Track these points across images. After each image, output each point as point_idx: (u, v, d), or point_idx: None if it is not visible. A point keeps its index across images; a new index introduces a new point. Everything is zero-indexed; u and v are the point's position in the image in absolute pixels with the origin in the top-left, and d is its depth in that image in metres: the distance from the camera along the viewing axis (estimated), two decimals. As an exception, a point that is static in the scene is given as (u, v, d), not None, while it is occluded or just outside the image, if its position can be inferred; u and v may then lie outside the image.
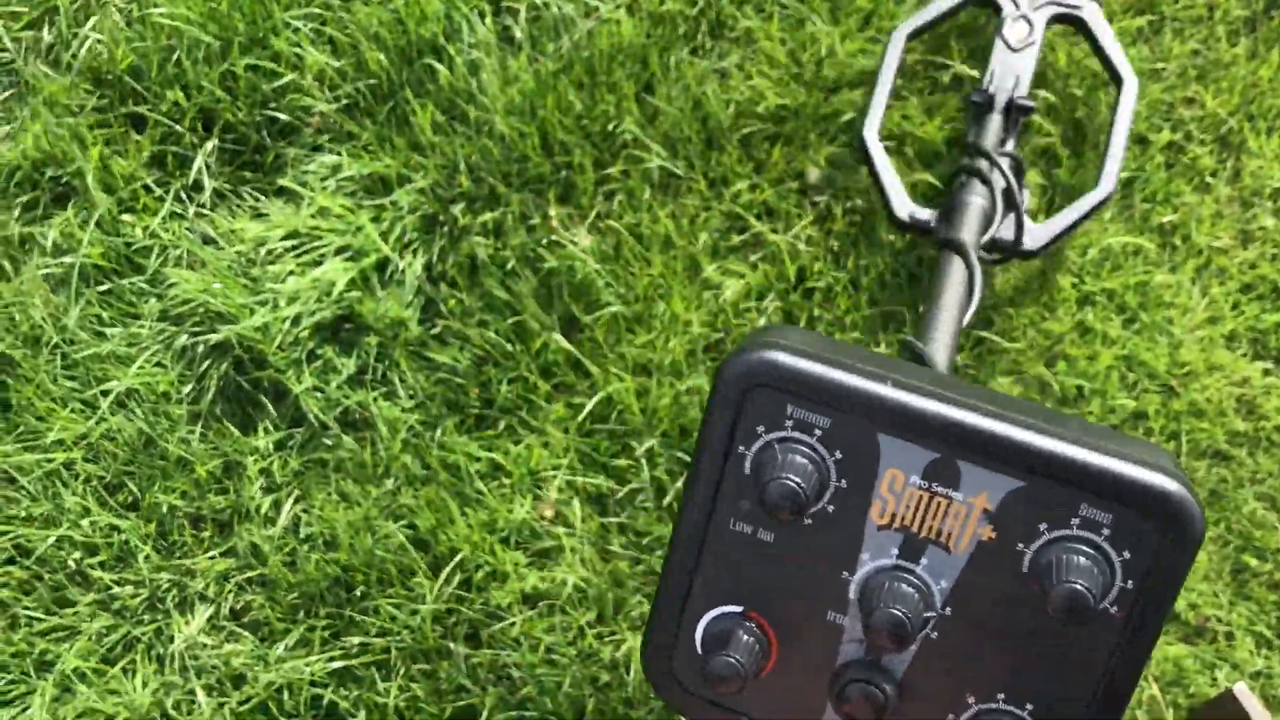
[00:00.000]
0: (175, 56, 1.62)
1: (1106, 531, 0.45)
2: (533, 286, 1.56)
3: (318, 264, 1.58)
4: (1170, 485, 0.44)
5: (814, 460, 0.47)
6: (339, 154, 1.62)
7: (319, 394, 1.53)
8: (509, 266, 1.57)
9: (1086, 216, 1.39)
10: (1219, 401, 1.49)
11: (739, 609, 0.50)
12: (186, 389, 1.55)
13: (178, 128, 1.62)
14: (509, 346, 1.54)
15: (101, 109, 1.63)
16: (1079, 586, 0.43)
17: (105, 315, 1.57)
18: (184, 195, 1.62)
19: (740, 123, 1.60)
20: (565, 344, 1.53)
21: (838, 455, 0.47)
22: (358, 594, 1.48)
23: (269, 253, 1.59)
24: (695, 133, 1.60)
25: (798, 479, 0.45)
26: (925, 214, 1.38)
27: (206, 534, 1.52)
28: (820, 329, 1.53)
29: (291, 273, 1.57)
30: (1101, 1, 1.50)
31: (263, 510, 1.51)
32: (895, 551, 0.48)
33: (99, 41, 1.65)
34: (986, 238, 1.23)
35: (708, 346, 1.54)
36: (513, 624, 1.45)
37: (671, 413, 1.50)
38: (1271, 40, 1.59)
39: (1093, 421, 1.41)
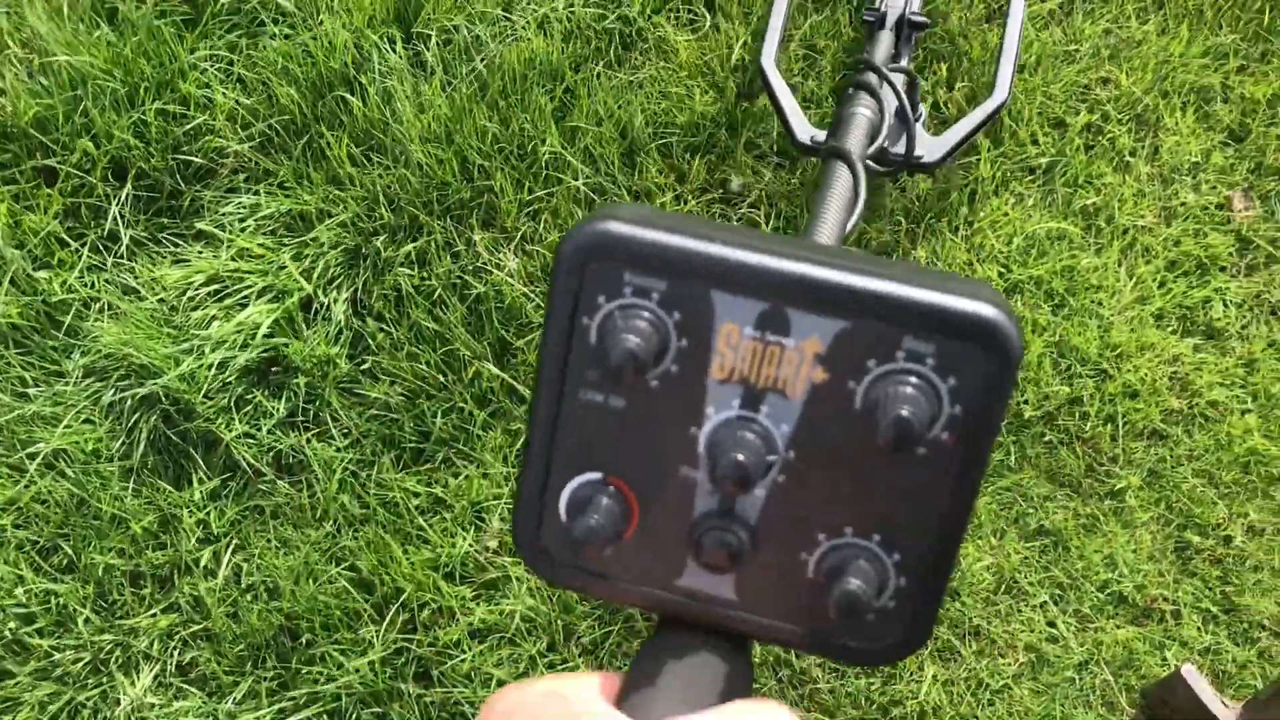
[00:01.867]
0: (82, 106, 1.59)
1: (931, 361, 0.47)
2: (461, 314, 1.54)
3: (241, 307, 1.56)
4: (985, 310, 0.46)
5: (653, 322, 0.48)
6: (256, 193, 1.60)
7: (250, 440, 1.51)
8: (436, 296, 1.55)
9: (983, 125, 1.39)
10: (1152, 381, 1.49)
11: (598, 475, 0.52)
12: (116, 445, 1.52)
13: (89, 178, 1.59)
14: (441, 377, 1.52)
15: (7, 164, 1.60)
16: (904, 413, 0.46)
17: (28, 376, 1.54)
18: (101, 246, 1.59)
19: (659, 134, 1.59)
20: (498, 371, 1.52)
21: (676, 316, 0.48)
22: (304, 642, 1.46)
23: (191, 299, 1.57)
24: (615, 147, 1.58)
25: (637, 338, 0.47)
26: (824, 135, 1.37)
27: (147, 591, 1.50)
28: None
29: (215, 318, 1.55)
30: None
31: (202, 563, 1.49)
32: (737, 403, 0.49)
33: (0, 95, 1.61)
34: (875, 147, 1.24)
35: (641, 363, 1.53)
36: (463, 660, 1.44)
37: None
38: (1180, 15, 1.59)
39: (1028, 408, 1.41)
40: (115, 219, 1.59)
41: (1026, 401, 1.49)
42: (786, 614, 0.52)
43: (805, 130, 1.38)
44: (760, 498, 0.51)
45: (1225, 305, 1.52)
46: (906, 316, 0.47)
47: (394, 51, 1.61)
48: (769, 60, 1.43)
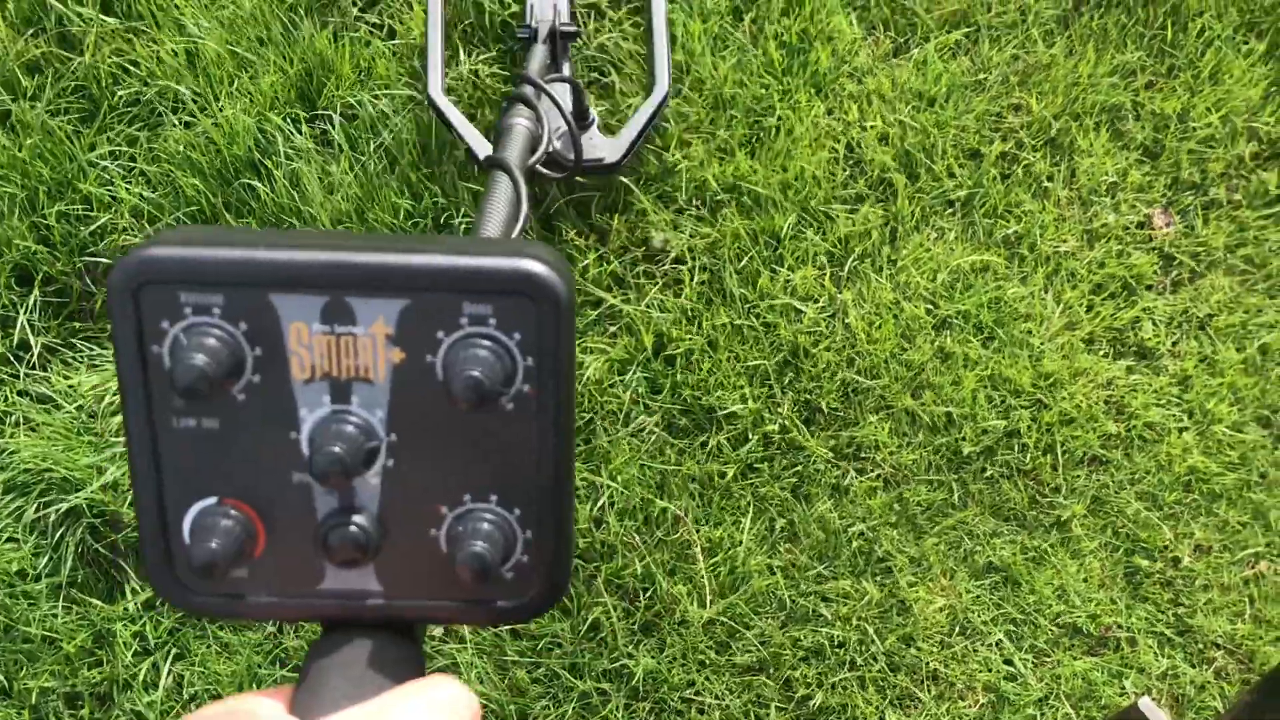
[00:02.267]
0: (-21, 216, 1.54)
1: (493, 321, 0.49)
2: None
3: (163, 408, 1.52)
4: (525, 264, 0.48)
5: (221, 337, 0.49)
6: (169, 289, 1.56)
7: (182, 545, 1.47)
8: (361, 380, 1.51)
9: (653, 118, 1.47)
10: (1088, 407, 1.49)
11: (214, 499, 0.51)
12: (43, 562, 1.48)
13: (-6, 288, 1.55)
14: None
15: (-90, 281, 1.55)
16: (475, 373, 0.47)
17: (-55, 499, 1.49)
18: (11, 357, 1.55)
19: (576, 195, 1.57)
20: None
21: (242, 326, 0.49)
22: (251, 749, 1.42)
23: (110, 404, 1.52)
24: (532, 211, 1.56)
25: (203, 356, 0.47)
26: None
27: (84, 712, 1.45)
28: (685, 395, 1.50)
29: (136, 422, 1.51)
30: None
31: (141, 676, 1.44)
32: (327, 399, 0.50)
33: (-103, 211, 1.57)
34: (540, 154, 1.28)
35: (577, 429, 1.51)
36: (416, 753, 1.40)
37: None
38: (1085, 36, 1.59)
39: (966, 444, 1.40)
40: (24, 327, 1.55)
41: (964, 438, 1.48)
42: (432, 592, 0.53)
43: (485, 149, 1.43)
44: (377, 485, 0.52)
45: (1154, 324, 1.52)
46: (459, 283, 0.49)
47: (299, 133, 1.58)
48: (436, 90, 1.48)
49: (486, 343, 0.50)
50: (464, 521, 0.52)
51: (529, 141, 1.30)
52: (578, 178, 1.56)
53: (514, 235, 1.03)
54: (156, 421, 0.51)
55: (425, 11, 1.53)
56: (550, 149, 1.37)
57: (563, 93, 1.45)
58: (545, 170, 1.39)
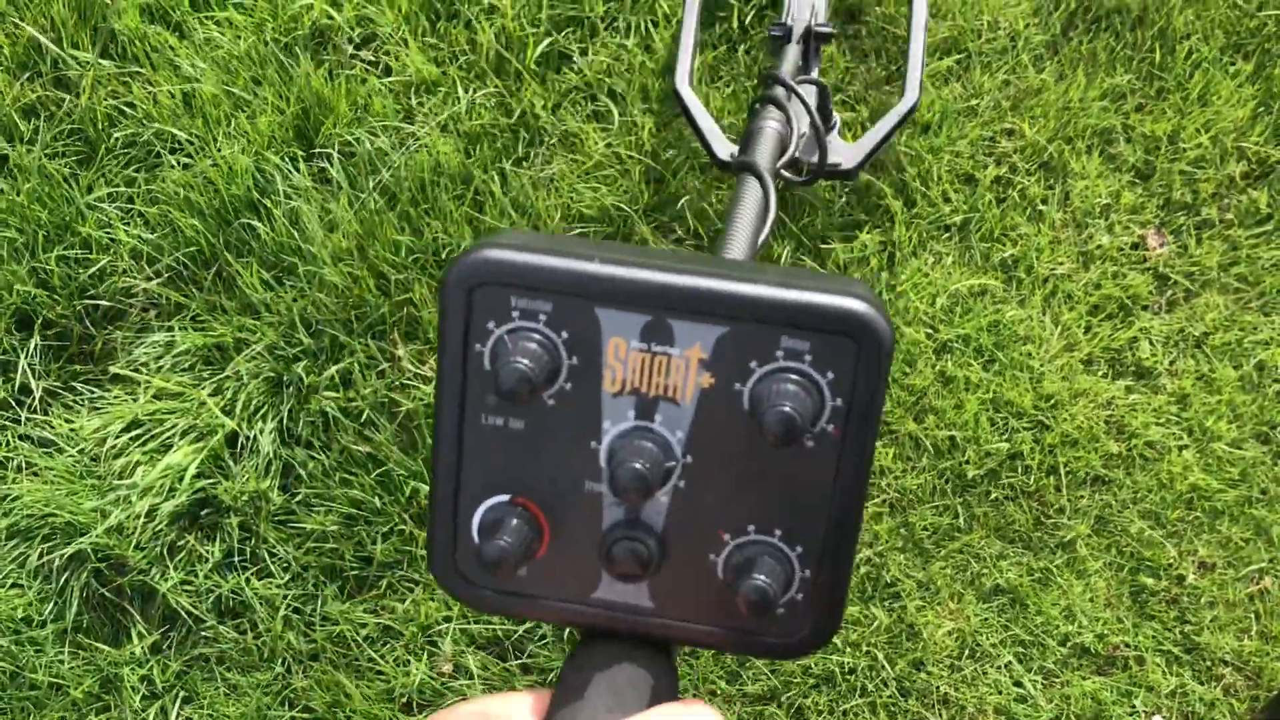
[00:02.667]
0: (-22, 261, 1.54)
1: (809, 358, 0.49)
2: (392, 433, 1.51)
3: (165, 449, 1.52)
4: (853, 304, 0.48)
5: (543, 343, 0.50)
6: (169, 329, 1.56)
7: (188, 587, 1.47)
8: (364, 417, 1.52)
9: (897, 127, 1.42)
10: (1089, 427, 1.50)
11: (506, 497, 0.53)
12: (48, 608, 1.47)
13: (-6, 333, 1.55)
14: (378, 500, 1.49)
15: (-91, 328, 1.55)
16: (787, 409, 0.47)
17: (-52, 546, 1.49)
18: (12, 402, 1.54)
19: (574, 227, 1.58)
20: (435, 488, 1.48)
21: (564, 335, 0.50)
22: (263, 791, 1.41)
23: (112, 447, 1.52)
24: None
25: (527, 361, 0.49)
26: None
27: (93, 758, 1.44)
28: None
29: (139, 464, 1.51)
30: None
31: (149, 721, 1.44)
32: (632, 414, 0.51)
33: (-106, 257, 1.57)
34: (787, 158, 1.26)
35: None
36: (428, 791, 1.40)
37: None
38: (1075, 60, 1.61)
39: (970, 467, 1.41)
40: (25, 372, 1.54)
41: (968, 461, 1.49)
42: (702, 616, 0.54)
43: (725, 148, 1.40)
44: (665, 504, 0.52)
45: (1151, 344, 1.53)
46: (780, 316, 0.49)
47: (297, 171, 1.58)
48: (683, 83, 1.44)
49: (797, 377, 0.49)
50: (745, 551, 0.52)
51: (779, 144, 1.28)
52: (820, 182, 1.53)
53: (760, 241, 1.03)
54: (466, 416, 0.53)
55: (684, 2, 1.51)
56: (797, 152, 1.33)
57: (810, 94, 1.40)
58: (787, 174, 1.34)
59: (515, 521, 0.52)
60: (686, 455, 0.51)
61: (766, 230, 1.04)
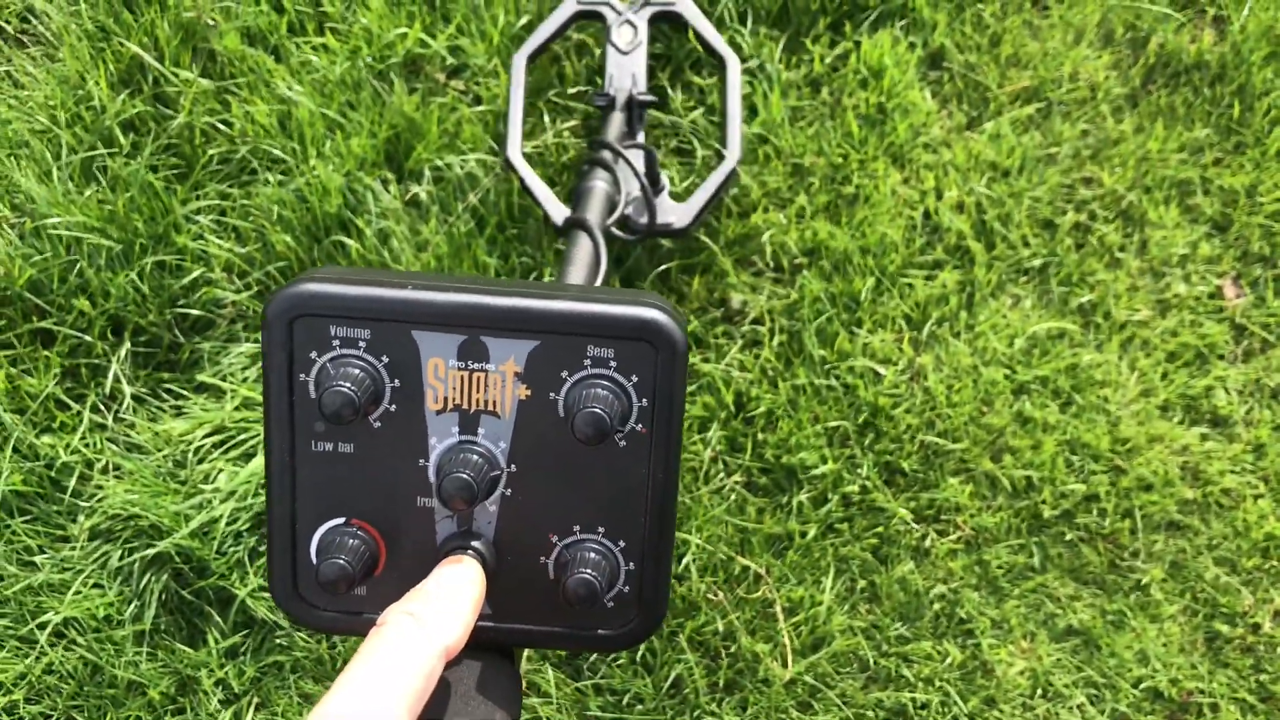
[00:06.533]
0: (77, 267, 1.58)
1: (614, 364, 0.53)
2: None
3: (248, 457, 1.54)
4: (649, 313, 0.53)
5: (364, 368, 0.52)
6: (256, 341, 1.59)
7: (266, 594, 1.48)
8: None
9: (723, 187, 1.50)
10: (1165, 473, 1.51)
11: (342, 519, 0.56)
12: (128, 609, 1.49)
13: (87, 338, 1.58)
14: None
15: (2, 329, 1.58)
16: (597, 410, 0.51)
17: (33, 544, 1.51)
18: (101, 406, 1.57)
19: (657, 256, 1.61)
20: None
21: (385, 359, 0.53)
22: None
23: (196, 451, 1.55)
24: (615, 274, 1.59)
25: (350, 385, 0.51)
26: None
27: (166, 760, 1.45)
28: (766, 454, 1.52)
29: (222, 470, 1.53)
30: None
31: (223, 725, 1.45)
32: (456, 430, 0.54)
33: (-6, 260, 1.60)
34: (616, 217, 1.32)
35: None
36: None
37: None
38: (1154, 113, 1.64)
39: (1046, 508, 1.41)
40: (116, 377, 1.57)
41: (1044, 501, 1.50)
42: (538, 617, 0.57)
43: (561, 213, 1.46)
44: (494, 513, 0.56)
45: (1227, 392, 1.54)
46: (584, 328, 0.53)
47: (388, 192, 1.62)
48: (515, 153, 1.51)
49: (606, 383, 0.53)
50: (572, 550, 0.56)
51: (607, 203, 1.35)
52: (661, 240, 1.60)
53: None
54: (297, 444, 0.55)
55: (509, 75, 1.58)
56: (625, 212, 1.41)
57: (638, 158, 1.49)
58: (619, 233, 1.43)
59: (352, 542, 0.54)
60: (510, 464, 0.55)
61: (599, 282, 1.08)
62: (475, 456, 0.54)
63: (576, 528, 0.56)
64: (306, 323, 0.53)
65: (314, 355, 0.53)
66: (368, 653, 0.46)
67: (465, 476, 0.52)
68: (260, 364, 0.54)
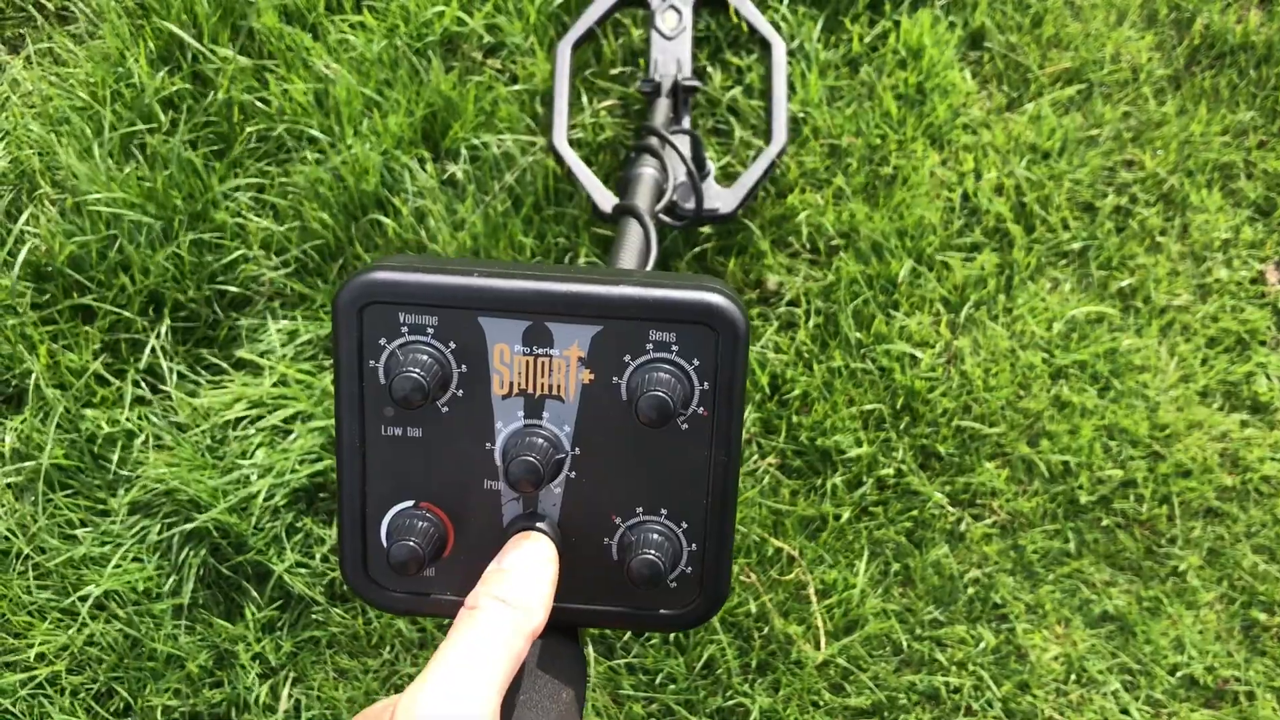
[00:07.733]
0: (118, 243, 1.59)
1: (676, 348, 0.54)
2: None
3: (287, 434, 1.55)
4: (710, 298, 0.54)
5: (432, 354, 0.53)
6: (294, 319, 1.60)
7: (303, 569, 1.50)
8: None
9: (768, 172, 1.50)
10: (1203, 459, 1.50)
11: (411, 503, 0.57)
12: (167, 582, 1.50)
13: (126, 313, 1.59)
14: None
15: (44, 305, 1.60)
16: (660, 393, 0.52)
17: (74, 517, 1.52)
18: (141, 381, 1.59)
19: (693, 236, 1.60)
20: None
21: (452, 345, 0.54)
22: (369, 774, 1.43)
23: (235, 425, 1.56)
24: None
25: (418, 370, 0.52)
26: None
27: (205, 732, 1.47)
28: (801, 436, 1.52)
29: (260, 445, 1.54)
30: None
31: (260, 699, 1.46)
32: (521, 414, 0.55)
33: (35, 236, 1.62)
34: (664, 203, 1.33)
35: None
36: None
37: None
38: (1197, 96, 1.62)
39: (1083, 493, 1.41)
40: (155, 352, 1.59)
41: (1081, 487, 1.49)
42: (602, 598, 0.58)
43: (607, 201, 1.46)
44: (559, 495, 0.57)
45: (1268, 379, 1.53)
46: (646, 313, 0.54)
47: (424, 171, 1.62)
48: (560, 140, 1.52)
49: (668, 367, 0.54)
50: (636, 531, 0.57)
51: (656, 190, 1.34)
52: (699, 227, 1.60)
53: None
54: (367, 429, 0.56)
55: (554, 63, 1.57)
56: (672, 198, 1.41)
57: (684, 144, 1.48)
58: (666, 219, 1.43)
59: (421, 524, 0.55)
60: (575, 447, 0.56)
61: (650, 267, 1.09)
62: (541, 440, 0.55)
63: (640, 509, 0.57)
64: (376, 310, 0.54)
65: (383, 342, 0.54)
66: (461, 637, 0.48)
67: (531, 459, 0.53)
68: (330, 350, 0.55)
